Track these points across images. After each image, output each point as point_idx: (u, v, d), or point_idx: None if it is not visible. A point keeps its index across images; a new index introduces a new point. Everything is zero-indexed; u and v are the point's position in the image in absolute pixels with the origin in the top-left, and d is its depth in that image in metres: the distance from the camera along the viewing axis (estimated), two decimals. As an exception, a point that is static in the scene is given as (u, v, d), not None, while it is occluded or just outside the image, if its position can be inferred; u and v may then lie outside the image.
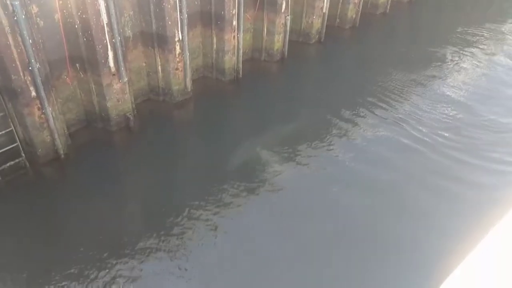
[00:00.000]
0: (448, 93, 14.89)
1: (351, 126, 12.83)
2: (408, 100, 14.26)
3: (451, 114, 13.62)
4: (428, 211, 10.17)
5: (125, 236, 9.20)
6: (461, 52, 17.99)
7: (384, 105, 13.83)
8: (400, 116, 13.34)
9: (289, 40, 16.03)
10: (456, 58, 17.47)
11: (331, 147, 11.95)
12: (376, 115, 13.36)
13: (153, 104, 13.42)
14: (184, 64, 12.81)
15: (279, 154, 11.54)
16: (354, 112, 13.46)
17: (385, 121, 13.08)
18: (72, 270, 8.42)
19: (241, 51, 14.38)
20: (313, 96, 14.61)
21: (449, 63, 17.11)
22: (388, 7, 20.91)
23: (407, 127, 12.80)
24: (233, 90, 14.57)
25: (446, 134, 12.59)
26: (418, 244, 9.32)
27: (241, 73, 14.72)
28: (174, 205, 10.02)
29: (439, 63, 17.01)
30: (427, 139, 12.34)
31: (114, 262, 8.61)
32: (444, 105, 14.08)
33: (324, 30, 17.44)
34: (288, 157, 11.50)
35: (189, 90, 13.47)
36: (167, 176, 10.90)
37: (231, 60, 14.30)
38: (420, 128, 12.80)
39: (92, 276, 8.34)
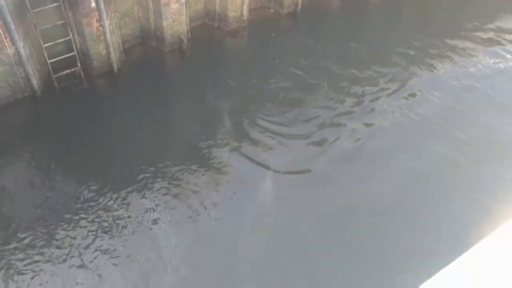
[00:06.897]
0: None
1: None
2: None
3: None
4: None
5: (160, 153, 9.66)
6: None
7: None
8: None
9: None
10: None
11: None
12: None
13: (208, 29, 13.30)
14: (243, -10, 12.49)
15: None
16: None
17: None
18: (111, 177, 9.02)
19: (302, -16, 13.81)
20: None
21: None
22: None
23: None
24: (290, 24, 14.13)
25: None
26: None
27: (300, 6, 14.21)
28: (215, 129, 10.28)
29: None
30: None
31: (149, 176, 9.11)
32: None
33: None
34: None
35: (245, 18, 13.20)
36: (213, 100, 11.02)
37: (291, -8, 13.79)
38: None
39: (128, 184, 8.94)
